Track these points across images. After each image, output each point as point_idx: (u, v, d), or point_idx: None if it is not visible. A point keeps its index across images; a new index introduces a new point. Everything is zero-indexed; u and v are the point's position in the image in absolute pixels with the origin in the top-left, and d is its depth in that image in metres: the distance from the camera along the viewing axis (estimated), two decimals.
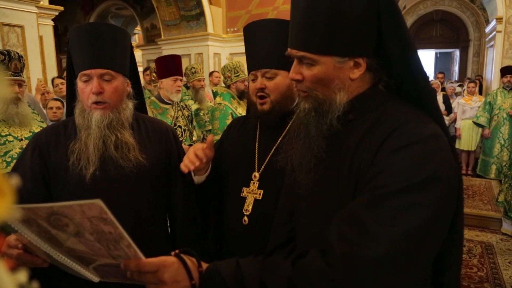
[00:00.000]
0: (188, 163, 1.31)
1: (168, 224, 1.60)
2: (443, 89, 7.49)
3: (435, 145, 0.79)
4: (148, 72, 5.27)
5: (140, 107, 1.59)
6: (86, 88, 1.32)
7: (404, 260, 0.74)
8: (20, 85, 2.29)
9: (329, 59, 0.86)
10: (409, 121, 0.83)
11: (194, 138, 3.42)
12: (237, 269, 0.82)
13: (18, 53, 2.31)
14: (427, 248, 0.77)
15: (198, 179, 1.42)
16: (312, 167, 0.93)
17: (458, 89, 7.26)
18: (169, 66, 3.07)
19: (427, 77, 0.92)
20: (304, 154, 0.94)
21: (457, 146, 6.59)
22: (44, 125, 2.55)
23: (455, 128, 6.67)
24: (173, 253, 0.84)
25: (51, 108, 3.72)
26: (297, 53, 0.90)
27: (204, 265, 0.84)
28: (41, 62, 5.25)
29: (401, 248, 0.73)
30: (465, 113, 6.51)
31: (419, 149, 0.78)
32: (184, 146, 3.14)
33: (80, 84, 1.34)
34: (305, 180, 0.95)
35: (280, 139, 1.41)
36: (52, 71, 5.65)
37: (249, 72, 1.48)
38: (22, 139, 2.29)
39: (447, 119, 6.80)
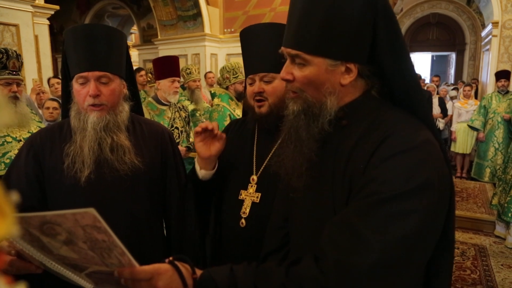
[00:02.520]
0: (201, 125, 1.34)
1: (164, 227, 1.60)
2: (438, 92, 7.54)
3: (426, 152, 0.80)
4: (143, 72, 5.22)
5: (136, 108, 1.58)
6: (83, 91, 1.31)
7: (396, 267, 0.75)
8: (18, 84, 2.26)
9: (322, 61, 0.86)
10: (401, 129, 0.83)
11: (191, 140, 3.42)
12: (231, 276, 0.83)
13: (16, 52, 2.29)
14: (419, 255, 0.78)
15: (204, 173, 1.41)
16: (304, 171, 0.93)
17: (453, 93, 7.29)
18: (166, 67, 3.06)
19: (419, 84, 0.93)
20: (296, 158, 0.94)
21: (452, 149, 6.63)
22: (42, 126, 2.53)
23: (451, 131, 6.72)
24: (167, 260, 0.84)
25: (48, 108, 3.69)
26: (290, 51, 0.89)
27: (198, 272, 0.84)
28: (37, 62, 5.21)
29: (393, 255, 0.74)
30: (461, 116, 6.56)
31: (411, 157, 0.78)
32: (181, 148, 3.13)
33: (76, 86, 1.33)
34: (297, 184, 0.95)
35: (279, 142, 1.41)
36: (48, 70, 5.61)
37: (246, 76, 1.48)
38: (20, 140, 2.27)
39: (442, 122, 6.85)
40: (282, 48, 0.92)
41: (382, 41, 0.86)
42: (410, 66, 0.88)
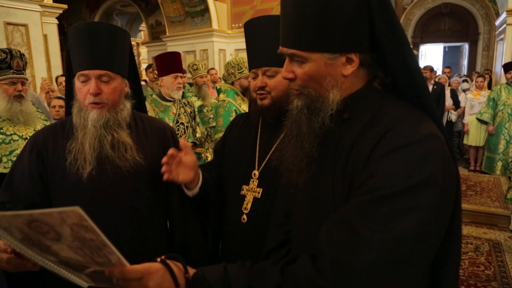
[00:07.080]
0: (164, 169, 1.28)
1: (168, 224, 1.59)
2: (450, 84, 7.37)
3: (430, 146, 0.76)
4: (151, 69, 5.28)
5: (139, 106, 1.57)
6: (84, 88, 1.32)
7: (397, 266, 0.71)
8: (23, 83, 2.31)
9: (319, 56, 0.84)
10: (403, 122, 0.80)
11: (197, 135, 3.41)
12: (224, 275, 0.81)
13: (19, 51, 2.33)
14: (421, 254, 0.74)
15: (192, 192, 1.39)
16: (305, 167, 0.91)
17: (466, 85, 7.11)
18: (168, 64, 3.05)
19: (422, 74, 0.89)
20: (296, 153, 0.92)
21: (465, 141, 6.50)
22: (48, 124, 2.56)
23: (463, 124, 6.57)
24: (158, 259, 0.82)
25: (54, 106, 3.72)
26: (287, 50, 0.88)
27: (191, 271, 0.83)
28: (46, 61, 5.28)
29: (393, 254, 0.70)
30: (474, 108, 6.40)
31: (413, 151, 0.75)
32: (188, 143, 3.12)
33: (77, 83, 1.33)
34: (298, 180, 0.94)
35: (281, 137, 1.39)
36: (57, 69, 5.68)
37: (250, 70, 1.47)
38: (27, 138, 2.31)
39: (454, 114, 6.70)
40: (280, 47, 0.91)
41: (380, 27, 0.83)
42: (411, 53, 0.85)
